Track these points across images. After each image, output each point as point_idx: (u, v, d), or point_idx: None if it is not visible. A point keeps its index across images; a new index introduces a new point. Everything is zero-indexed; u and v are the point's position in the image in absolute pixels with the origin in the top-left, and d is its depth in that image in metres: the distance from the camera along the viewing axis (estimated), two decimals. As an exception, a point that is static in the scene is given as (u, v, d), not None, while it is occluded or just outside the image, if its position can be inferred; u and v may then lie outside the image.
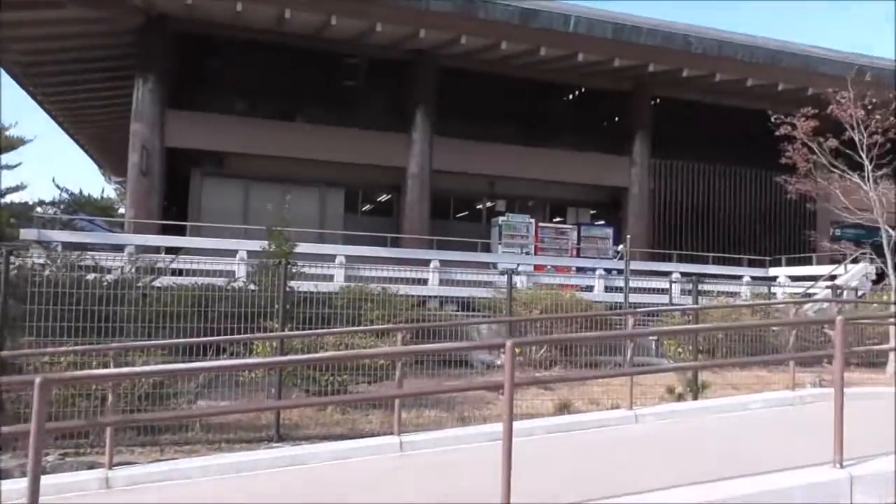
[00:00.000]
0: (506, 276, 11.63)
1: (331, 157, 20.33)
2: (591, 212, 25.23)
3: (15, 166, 29.38)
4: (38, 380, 3.37)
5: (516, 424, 4.32)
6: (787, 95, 21.05)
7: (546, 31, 18.85)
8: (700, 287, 11.85)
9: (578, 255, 22.17)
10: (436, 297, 15.46)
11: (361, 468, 5.91)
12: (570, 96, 24.71)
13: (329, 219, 21.24)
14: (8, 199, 28.17)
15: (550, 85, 23.08)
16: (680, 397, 9.50)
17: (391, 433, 6.80)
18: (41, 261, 9.96)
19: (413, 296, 12.10)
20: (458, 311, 13.63)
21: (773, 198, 23.28)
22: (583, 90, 24.19)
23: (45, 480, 4.86)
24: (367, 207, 23.37)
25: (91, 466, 6.57)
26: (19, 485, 4.50)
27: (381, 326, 9.64)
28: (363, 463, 6.05)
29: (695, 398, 9.15)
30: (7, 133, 27.26)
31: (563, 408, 8.98)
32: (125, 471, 5.95)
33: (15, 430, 5.04)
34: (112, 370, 6.31)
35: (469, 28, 18.70)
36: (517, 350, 4.80)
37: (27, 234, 15.33)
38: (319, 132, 20.38)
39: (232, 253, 15.38)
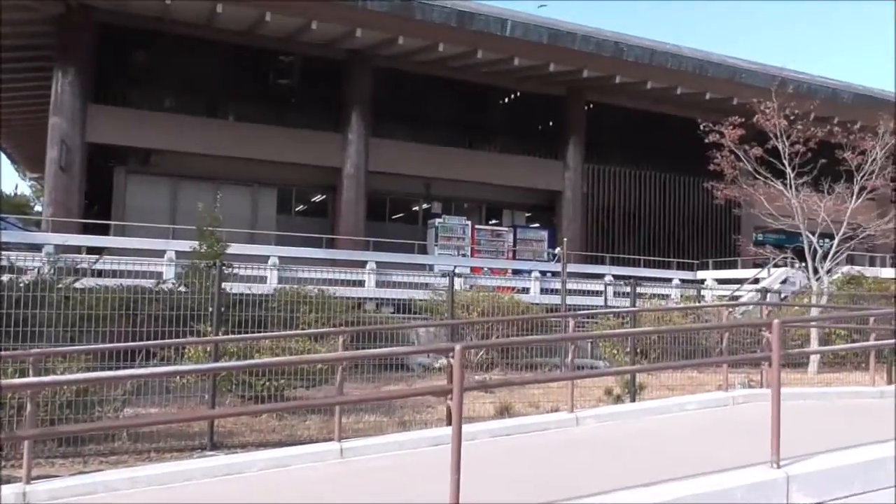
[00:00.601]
0: (443, 277, 11.53)
1: (263, 156, 19.91)
2: (527, 214, 25.50)
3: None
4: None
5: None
6: (714, 104, 21.81)
7: (483, 34, 18.97)
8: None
9: (514, 258, 22.37)
10: (373, 298, 15.31)
11: (301, 476, 5.71)
12: (507, 100, 24.95)
13: (261, 219, 20.78)
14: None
15: (487, 88, 23.24)
16: (618, 399, 9.62)
17: (331, 439, 6.60)
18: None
19: (350, 298, 11.93)
20: (395, 313, 13.50)
21: (702, 203, 24.10)
22: (518, 94, 24.45)
23: (-43, 498, 4.49)
24: (301, 207, 22.97)
25: (7, 481, 6.12)
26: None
27: (319, 330, 9.40)
28: (303, 471, 5.85)
29: (633, 400, 9.28)
30: None
31: (504, 410, 8.96)
32: (45, 485, 5.57)
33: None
34: (31, 379, 5.89)
35: (406, 28, 18.64)
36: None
37: (-68, 232, 14.40)
38: (252, 130, 19.92)
39: (160, 253, 14.84)
